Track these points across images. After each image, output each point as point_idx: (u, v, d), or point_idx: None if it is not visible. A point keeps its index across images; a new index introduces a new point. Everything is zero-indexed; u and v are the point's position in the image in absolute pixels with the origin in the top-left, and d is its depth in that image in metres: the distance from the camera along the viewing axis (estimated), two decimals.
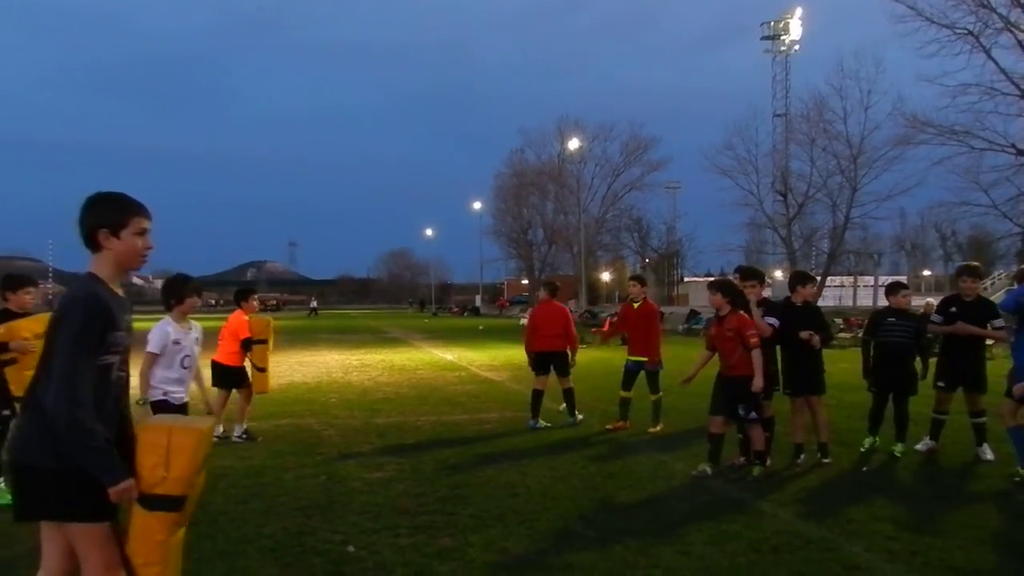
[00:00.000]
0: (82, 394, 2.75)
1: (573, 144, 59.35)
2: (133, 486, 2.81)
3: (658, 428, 9.05)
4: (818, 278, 42.68)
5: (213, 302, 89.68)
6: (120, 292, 3.05)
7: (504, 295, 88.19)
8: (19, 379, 5.73)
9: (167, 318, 5.82)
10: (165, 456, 2.85)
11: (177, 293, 5.82)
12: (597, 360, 17.71)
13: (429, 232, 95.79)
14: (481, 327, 39.40)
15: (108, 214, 2.96)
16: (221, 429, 8.37)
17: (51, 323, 2.91)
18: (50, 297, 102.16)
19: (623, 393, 9.34)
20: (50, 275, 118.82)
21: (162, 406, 5.54)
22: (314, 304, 73.16)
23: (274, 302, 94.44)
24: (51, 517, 2.88)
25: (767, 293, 7.59)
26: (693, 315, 33.45)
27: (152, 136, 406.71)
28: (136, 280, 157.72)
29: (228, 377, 8.73)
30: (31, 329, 5.81)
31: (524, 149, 71.50)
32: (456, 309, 77.02)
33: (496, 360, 19.34)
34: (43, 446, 2.80)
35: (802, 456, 7.29)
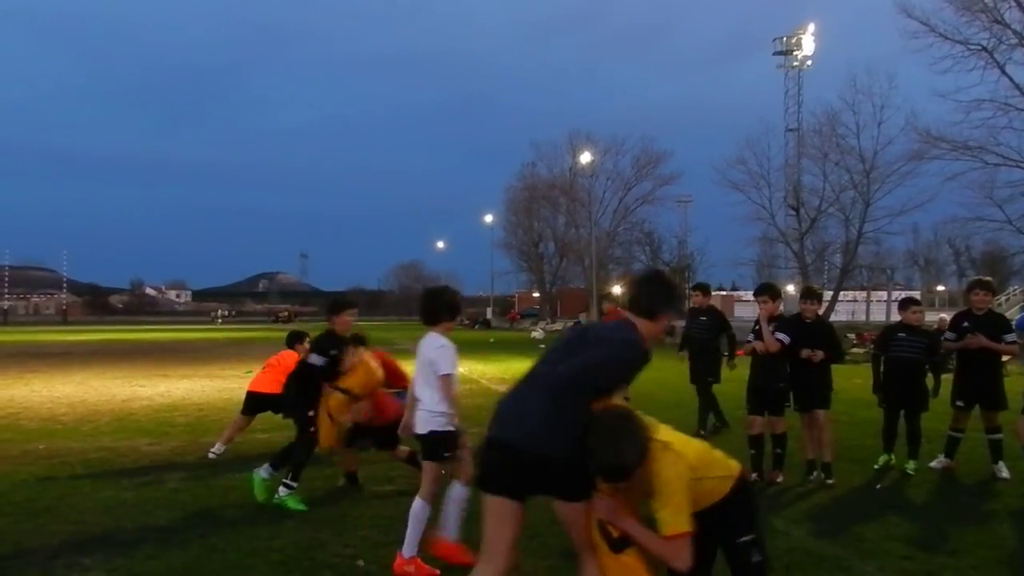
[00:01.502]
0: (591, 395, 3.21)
1: (585, 158, 59.45)
2: None
3: None
4: (829, 293, 42.54)
5: (227, 313, 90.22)
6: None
7: (515, 308, 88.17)
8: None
9: (436, 334, 5.03)
10: None
11: (450, 307, 5.18)
12: None
13: (440, 244, 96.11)
14: (492, 340, 39.38)
15: (671, 299, 3.44)
16: (223, 448, 8.31)
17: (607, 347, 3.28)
18: (64, 307, 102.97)
19: None
20: (64, 285, 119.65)
21: (452, 435, 4.92)
22: None
23: (285, 313, 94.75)
24: (564, 496, 3.35)
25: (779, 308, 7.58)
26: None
27: (165, 147, 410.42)
28: (149, 291, 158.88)
29: (265, 405, 8.43)
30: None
31: (536, 162, 71.78)
32: (467, 321, 77.05)
33: (507, 373, 19.30)
34: (562, 437, 3.13)
35: (815, 472, 7.24)
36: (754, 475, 7.13)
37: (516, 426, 3.24)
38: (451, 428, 4.90)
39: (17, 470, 7.62)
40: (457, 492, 5.05)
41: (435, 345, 4.93)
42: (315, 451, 6.54)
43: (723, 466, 3.30)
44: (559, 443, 3.14)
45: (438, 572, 4.80)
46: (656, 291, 3.41)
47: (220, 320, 78.61)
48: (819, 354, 7.13)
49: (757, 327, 7.38)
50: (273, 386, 8.54)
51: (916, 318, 7.76)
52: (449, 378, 4.88)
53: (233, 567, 4.86)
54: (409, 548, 4.81)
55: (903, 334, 7.66)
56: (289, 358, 8.77)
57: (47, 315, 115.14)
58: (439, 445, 4.88)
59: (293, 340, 9.01)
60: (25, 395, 13.97)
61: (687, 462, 3.10)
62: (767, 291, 7.45)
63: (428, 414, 4.87)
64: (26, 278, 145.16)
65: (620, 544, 3.17)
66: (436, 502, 4.97)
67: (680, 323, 10.63)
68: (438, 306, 5.12)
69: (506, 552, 3.30)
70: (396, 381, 7.51)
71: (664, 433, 3.19)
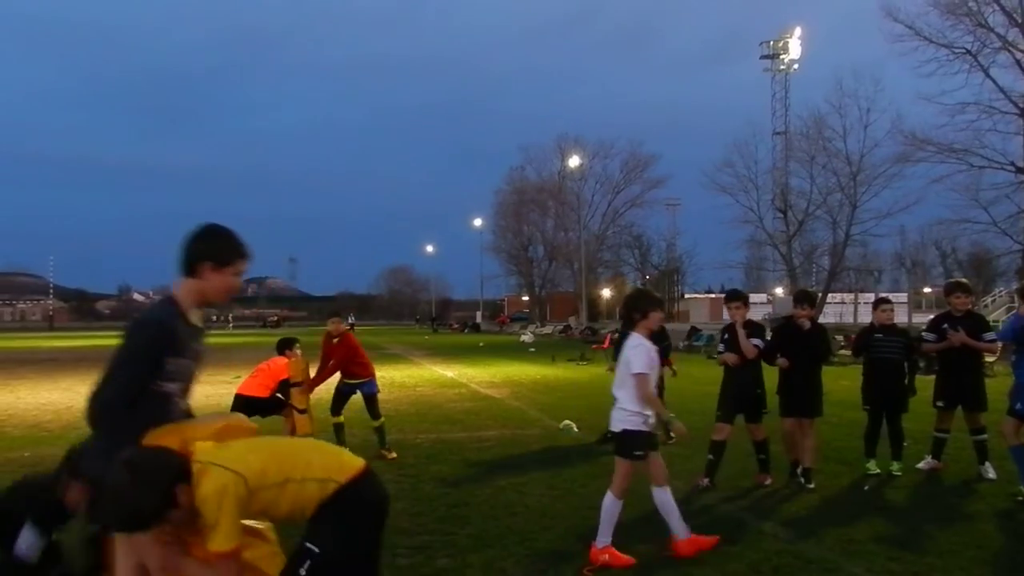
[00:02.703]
0: (123, 404, 2.88)
1: (573, 162, 59.62)
2: None
3: None
4: (818, 295, 42.71)
5: (214, 319, 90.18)
6: (197, 320, 3.16)
7: (504, 312, 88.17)
8: None
9: (635, 334, 5.24)
10: (182, 447, 2.95)
11: (643, 307, 5.30)
12: (597, 376, 17.63)
13: (430, 248, 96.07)
14: (481, 344, 39.36)
15: (218, 249, 3.06)
16: None
17: (120, 341, 3.02)
18: (51, 313, 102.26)
19: None
20: (51, 291, 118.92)
21: (645, 435, 5.12)
22: (351, 320, 75.26)
23: (275, 318, 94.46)
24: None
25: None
26: (694, 332, 33.41)
27: (152, 151, 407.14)
28: (137, 296, 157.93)
29: (253, 408, 8.36)
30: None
31: (524, 166, 72.07)
32: (456, 325, 77.00)
33: (496, 377, 19.30)
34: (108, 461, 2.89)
35: (798, 472, 7.23)
36: (706, 480, 7.05)
37: (86, 451, 3.07)
38: (644, 428, 5.09)
39: (1, 478, 7.54)
40: (658, 495, 5.21)
41: (631, 345, 5.17)
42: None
43: (325, 467, 3.03)
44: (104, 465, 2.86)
45: (633, 560, 4.96)
46: (186, 243, 3.08)
47: (231, 325, 78.82)
48: (783, 361, 7.15)
49: (726, 335, 7.33)
50: (260, 390, 8.83)
51: (886, 316, 7.79)
52: (642, 377, 5.05)
53: None
54: (602, 538, 5.03)
55: (879, 335, 7.69)
56: (279, 364, 8.87)
57: (33, 321, 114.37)
58: (631, 443, 5.07)
59: (283, 346, 9.15)
60: (10, 402, 13.86)
61: (242, 472, 2.83)
62: (740, 297, 7.43)
63: (623, 412, 5.09)
64: (11, 284, 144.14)
65: None
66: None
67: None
68: (629, 308, 5.38)
69: None
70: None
71: (214, 450, 2.89)
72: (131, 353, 2.93)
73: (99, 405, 2.90)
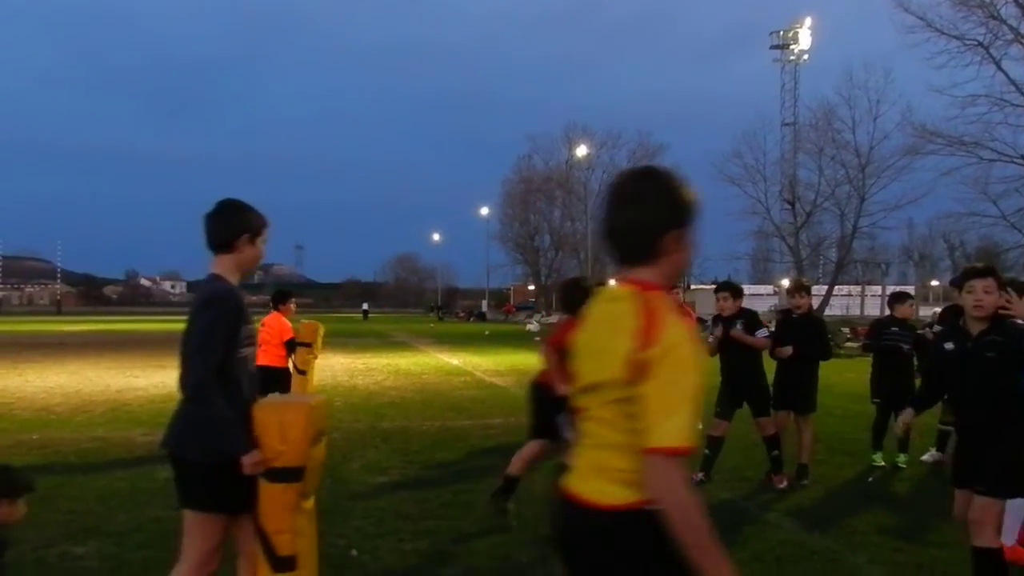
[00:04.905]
0: (210, 377, 3.00)
1: (581, 151, 59.47)
2: (263, 459, 3.01)
3: None
4: (824, 287, 42.63)
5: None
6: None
7: (510, 301, 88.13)
8: None
9: None
10: (280, 431, 3.03)
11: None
12: None
13: (436, 237, 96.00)
14: (487, 332, 39.40)
15: (252, 221, 3.27)
16: None
17: (191, 318, 3.15)
18: (58, 298, 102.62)
19: None
20: (58, 275, 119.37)
21: None
22: (365, 307, 75.87)
23: None
24: (198, 507, 3.13)
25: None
26: (700, 323, 33.36)
27: (160, 137, 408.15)
28: (144, 281, 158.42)
29: (273, 380, 7.67)
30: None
31: (532, 156, 71.83)
32: (462, 314, 77.05)
33: (501, 365, 19.32)
34: (196, 441, 3.06)
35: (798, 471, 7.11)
36: (700, 475, 6.78)
37: (169, 427, 3.20)
38: None
39: (11, 460, 7.59)
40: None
41: None
42: None
43: None
44: (194, 446, 3.07)
45: None
46: (219, 222, 3.24)
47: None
48: (786, 350, 6.98)
49: (719, 329, 6.99)
50: (276, 359, 8.15)
51: (910, 311, 7.79)
52: None
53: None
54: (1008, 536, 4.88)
55: (895, 328, 7.67)
56: (275, 324, 8.34)
57: (41, 305, 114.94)
58: None
59: (279, 300, 8.63)
60: (19, 385, 13.95)
61: None
62: (726, 288, 7.15)
63: None
64: (20, 268, 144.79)
65: (285, 564, 3.01)
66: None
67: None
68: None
69: (195, 561, 3.21)
70: None
71: None
72: (210, 327, 3.06)
73: (194, 381, 3.04)
